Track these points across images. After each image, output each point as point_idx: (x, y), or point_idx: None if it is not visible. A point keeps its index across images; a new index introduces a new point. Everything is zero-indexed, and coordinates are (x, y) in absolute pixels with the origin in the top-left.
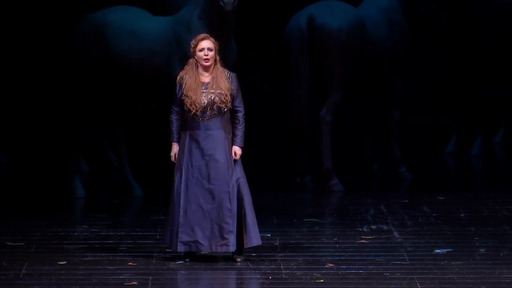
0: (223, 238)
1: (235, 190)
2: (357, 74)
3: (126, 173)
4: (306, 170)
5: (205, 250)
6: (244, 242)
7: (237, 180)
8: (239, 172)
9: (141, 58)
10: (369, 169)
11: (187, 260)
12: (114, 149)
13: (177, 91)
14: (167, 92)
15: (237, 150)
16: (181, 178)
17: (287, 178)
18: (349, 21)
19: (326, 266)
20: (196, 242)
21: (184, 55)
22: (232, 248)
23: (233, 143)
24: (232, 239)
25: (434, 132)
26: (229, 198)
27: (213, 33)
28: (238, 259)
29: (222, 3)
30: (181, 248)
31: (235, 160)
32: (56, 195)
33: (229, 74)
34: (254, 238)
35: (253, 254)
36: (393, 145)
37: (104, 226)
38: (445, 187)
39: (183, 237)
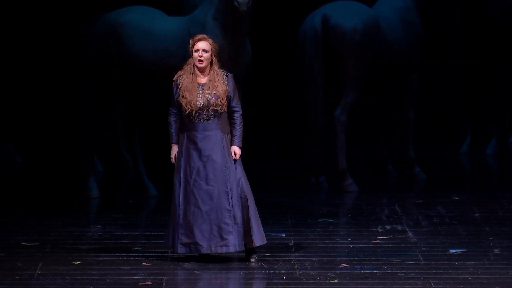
0: (222, 238)
1: (236, 190)
2: (372, 74)
3: (141, 173)
4: (321, 170)
5: (204, 251)
6: (252, 241)
7: (238, 180)
8: (239, 172)
9: (156, 58)
10: (383, 169)
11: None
12: (129, 149)
13: (174, 92)
14: None
15: (236, 150)
16: (180, 180)
17: (302, 178)
18: (363, 21)
19: (341, 266)
20: (196, 243)
21: None
22: (232, 248)
23: (231, 143)
24: (231, 239)
25: (448, 132)
26: (228, 199)
27: (227, 34)
28: (252, 259)
29: (236, 3)
30: (181, 250)
31: (235, 160)
32: (71, 195)
33: (226, 75)
34: (259, 238)
35: (268, 254)
36: (407, 145)
37: (119, 226)
38: (460, 187)
39: (183, 238)
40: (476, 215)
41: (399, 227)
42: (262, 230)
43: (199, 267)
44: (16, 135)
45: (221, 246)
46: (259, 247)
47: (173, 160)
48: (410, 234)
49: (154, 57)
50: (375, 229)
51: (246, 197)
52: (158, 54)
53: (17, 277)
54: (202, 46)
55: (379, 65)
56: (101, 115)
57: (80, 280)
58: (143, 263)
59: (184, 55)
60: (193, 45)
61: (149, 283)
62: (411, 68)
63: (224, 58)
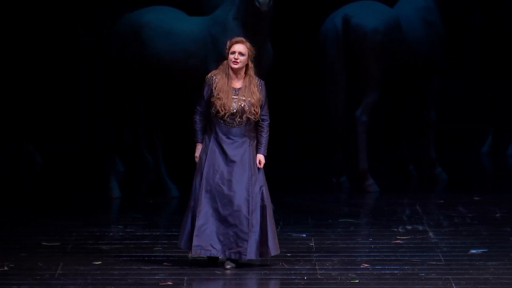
0: (237, 245)
1: (258, 198)
2: (393, 75)
3: (162, 173)
4: (342, 170)
5: (218, 255)
6: (268, 251)
7: (260, 188)
8: (261, 180)
9: (177, 58)
10: (405, 170)
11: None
12: (150, 149)
13: (205, 91)
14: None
15: (261, 158)
16: (201, 181)
17: (323, 178)
18: (384, 21)
19: (362, 266)
20: (210, 247)
21: (220, 55)
22: (244, 257)
23: (257, 151)
24: (245, 248)
25: (470, 133)
26: (248, 207)
27: (248, 34)
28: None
29: (257, 4)
30: (195, 253)
31: (258, 169)
32: (92, 195)
33: (259, 82)
34: (273, 247)
35: (288, 254)
36: (429, 146)
37: (140, 226)
38: (481, 188)
39: (198, 241)
40: (497, 215)
41: (420, 227)
42: (277, 240)
43: (219, 267)
44: (37, 135)
45: (235, 253)
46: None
47: (197, 160)
48: (431, 234)
49: (175, 57)
50: (396, 229)
51: (265, 206)
52: (179, 54)
53: (38, 277)
54: (239, 49)
55: (400, 65)
56: (123, 115)
57: (101, 280)
58: (164, 263)
59: (205, 55)
60: (230, 47)
61: (170, 283)
62: (432, 69)
63: None
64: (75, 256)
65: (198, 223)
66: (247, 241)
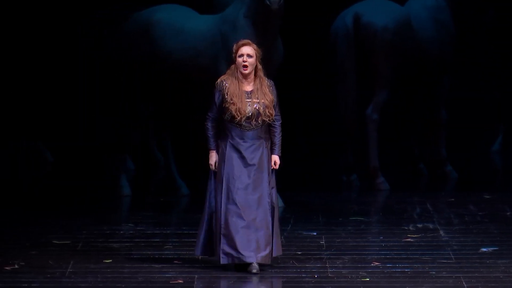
0: (264, 248)
1: (270, 200)
2: (404, 73)
3: (172, 171)
4: (352, 169)
5: (247, 260)
6: (272, 252)
7: (271, 190)
8: (273, 182)
9: (187, 57)
10: (415, 168)
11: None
12: (160, 148)
13: (216, 97)
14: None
15: (276, 159)
16: (221, 188)
17: (333, 176)
18: (395, 19)
19: (372, 264)
20: (238, 253)
21: (230, 54)
22: (269, 260)
23: (271, 152)
24: (270, 249)
25: (480, 131)
26: (269, 209)
27: (258, 33)
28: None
29: (268, 2)
30: (223, 261)
31: (272, 170)
32: (102, 194)
33: (270, 83)
34: (277, 248)
35: (299, 253)
36: (439, 144)
37: (150, 224)
38: (492, 186)
39: (225, 248)
40: (508, 213)
41: (431, 226)
42: (279, 241)
43: (230, 265)
44: (48, 134)
45: (263, 256)
46: (289, 246)
47: (212, 167)
48: (441, 232)
49: (185, 55)
50: (406, 228)
51: (274, 207)
52: (189, 53)
53: (48, 275)
54: (247, 51)
55: (410, 63)
56: (133, 113)
57: (111, 278)
58: (175, 261)
59: (215, 54)
60: (236, 50)
61: (180, 281)
62: (443, 68)
63: None
64: (85, 254)
65: (224, 231)
66: (270, 243)
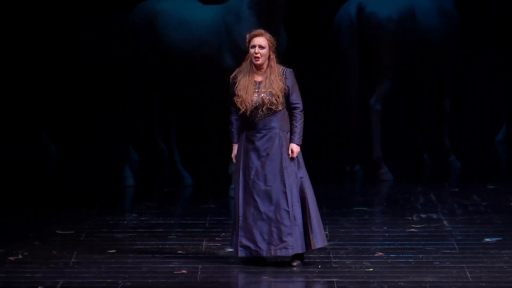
0: (282, 241)
1: (296, 190)
2: (407, 63)
3: (176, 162)
4: (356, 159)
5: (264, 254)
6: (312, 243)
7: (299, 180)
8: (300, 172)
9: (191, 47)
10: (419, 158)
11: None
12: (164, 138)
13: (231, 90)
14: (217, 81)
15: (294, 148)
16: (239, 180)
17: (337, 167)
18: (398, 9)
19: (376, 254)
20: (256, 246)
21: (234, 44)
22: (291, 251)
23: (290, 140)
24: (290, 241)
25: (484, 121)
26: (287, 200)
27: (262, 22)
28: (294, 263)
29: None
30: (241, 253)
31: (295, 159)
32: (106, 184)
33: (284, 71)
34: (320, 239)
35: None
36: (443, 134)
37: (154, 214)
38: (495, 176)
39: (243, 241)
40: (511, 203)
41: (434, 216)
42: (323, 231)
43: (233, 256)
44: (53, 126)
45: (280, 248)
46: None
47: (233, 160)
48: (445, 222)
49: (189, 46)
50: (410, 218)
51: (305, 197)
52: (193, 43)
53: (52, 265)
54: (259, 42)
55: (414, 53)
56: (137, 104)
57: (115, 269)
58: (178, 252)
59: (219, 44)
60: (249, 41)
61: (184, 271)
62: (447, 58)
63: None
64: (89, 245)
65: (242, 223)
66: (291, 234)
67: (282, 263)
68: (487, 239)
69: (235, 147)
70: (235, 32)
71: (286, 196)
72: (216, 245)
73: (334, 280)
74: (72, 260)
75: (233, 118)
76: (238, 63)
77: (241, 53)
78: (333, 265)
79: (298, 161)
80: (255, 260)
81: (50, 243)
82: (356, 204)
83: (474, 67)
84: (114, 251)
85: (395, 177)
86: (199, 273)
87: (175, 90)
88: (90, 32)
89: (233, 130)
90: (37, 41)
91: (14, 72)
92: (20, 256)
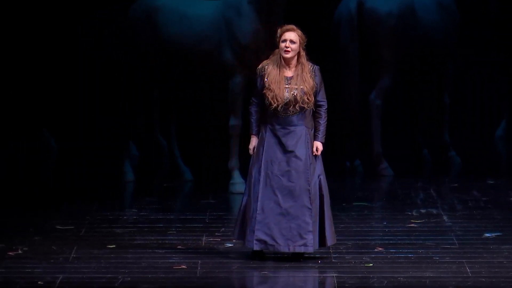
0: (302, 238)
1: (317, 188)
2: (407, 59)
3: (176, 157)
4: (356, 155)
5: (282, 249)
6: (326, 241)
7: (318, 177)
8: (319, 169)
9: (191, 42)
10: (419, 154)
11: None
12: (164, 133)
13: (258, 83)
14: (217, 78)
15: (319, 146)
16: (259, 174)
17: (337, 162)
18: (398, 5)
19: (376, 250)
20: (273, 241)
21: (234, 40)
22: (311, 248)
23: (314, 138)
24: (310, 239)
25: (484, 117)
26: (309, 197)
27: (262, 18)
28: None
29: None
30: (256, 247)
31: (316, 157)
32: (106, 179)
33: (313, 68)
34: (331, 237)
35: None
36: (443, 130)
37: (154, 210)
38: (495, 171)
39: (260, 235)
40: (511, 199)
41: (434, 211)
42: (333, 229)
43: (233, 251)
44: (53, 120)
45: (299, 245)
46: None
47: (251, 152)
48: (445, 218)
49: (189, 41)
50: (410, 213)
51: (323, 195)
52: (192, 38)
53: (52, 261)
54: (290, 37)
55: (414, 49)
56: (137, 99)
57: (114, 264)
58: (178, 247)
59: (219, 39)
60: (280, 35)
61: (183, 266)
62: (447, 53)
63: (259, 42)
64: (89, 240)
65: (259, 217)
66: (311, 232)
67: (282, 258)
68: (487, 234)
69: (254, 139)
70: (235, 28)
71: (309, 194)
72: (216, 240)
73: (334, 275)
74: (72, 255)
75: (253, 109)
76: (238, 59)
77: (241, 48)
78: (333, 261)
79: (318, 158)
80: (255, 256)
81: (50, 239)
82: (356, 199)
83: (474, 64)
84: (114, 246)
85: (395, 172)
86: (199, 268)
87: (176, 87)
88: (90, 32)
89: (252, 121)
90: (37, 41)
91: (14, 71)
92: (20, 251)
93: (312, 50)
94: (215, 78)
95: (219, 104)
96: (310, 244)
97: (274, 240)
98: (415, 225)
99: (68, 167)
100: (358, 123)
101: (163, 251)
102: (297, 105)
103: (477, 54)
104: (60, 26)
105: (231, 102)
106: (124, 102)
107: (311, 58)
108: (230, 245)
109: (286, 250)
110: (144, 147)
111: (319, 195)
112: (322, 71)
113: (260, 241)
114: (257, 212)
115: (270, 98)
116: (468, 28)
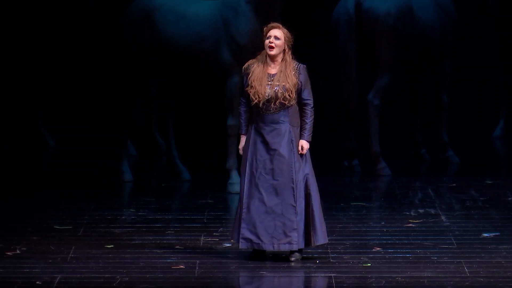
0: (286, 235)
1: (302, 186)
2: (405, 58)
3: (174, 157)
4: (354, 154)
5: (267, 248)
6: (312, 240)
7: (304, 176)
8: (307, 168)
9: (189, 42)
10: (417, 153)
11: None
12: (162, 133)
13: (244, 81)
14: (215, 77)
15: (304, 144)
16: (245, 173)
17: (335, 162)
18: (396, 4)
19: (374, 250)
20: (258, 239)
21: (232, 39)
22: (295, 246)
23: (300, 137)
24: (295, 237)
25: (482, 116)
26: (293, 195)
27: (260, 17)
28: (293, 258)
29: None
30: (242, 245)
31: (303, 155)
32: (104, 179)
33: (298, 66)
34: (321, 236)
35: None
36: (441, 129)
37: (152, 209)
38: (493, 171)
39: (245, 233)
40: (509, 199)
41: (432, 211)
42: (325, 229)
43: (231, 251)
44: (50, 119)
45: (284, 243)
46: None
47: (241, 152)
48: (443, 218)
49: (187, 41)
50: (408, 213)
51: (310, 194)
52: (190, 38)
53: (50, 261)
54: (274, 33)
55: (412, 48)
56: (134, 99)
57: (113, 264)
58: (176, 247)
59: (217, 39)
60: (266, 33)
61: (182, 266)
62: (445, 52)
63: (257, 42)
64: (87, 240)
65: (245, 215)
66: (296, 229)
67: (280, 258)
68: (485, 234)
69: (243, 139)
70: (233, 27)
71: (293, 191)
72: (214, 240)
73: (332, 275)
74: (70, 255)
75: (242, 109)
76: (236, 58)
77: (239, 48)
78: (331, 261)
79: (305, 157)
80: (254, 255)
81: (48, 238)
82: (354, 199)
83: (472, 63)
84: (112, 246)
85: (393, 172)
86: (197, 268)
87: (173, 86)
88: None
89: (241, 121)
90: (37, 42)
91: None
92: (18, 251)
93: (311, 50)
94: (213, 77)
95: (217, 104)
96: (294, 242)
97: (259, 238)
98: (413, 225)
99: (65, 166)
100: (356, 122)
101: (161, 251)
102: (278, 101)
103: (475, 53)
104: (60, 25)
105: (229, 102)
106: (122, 102)
107: (310, 57)
108: (228, 245)
109: (271, 249)
110: (142, 146)
111: (306, 194)
112: (320, 70)
113: (245, 239)
114: (243, 210)
115: (252, 95)
116: (466, 28)
